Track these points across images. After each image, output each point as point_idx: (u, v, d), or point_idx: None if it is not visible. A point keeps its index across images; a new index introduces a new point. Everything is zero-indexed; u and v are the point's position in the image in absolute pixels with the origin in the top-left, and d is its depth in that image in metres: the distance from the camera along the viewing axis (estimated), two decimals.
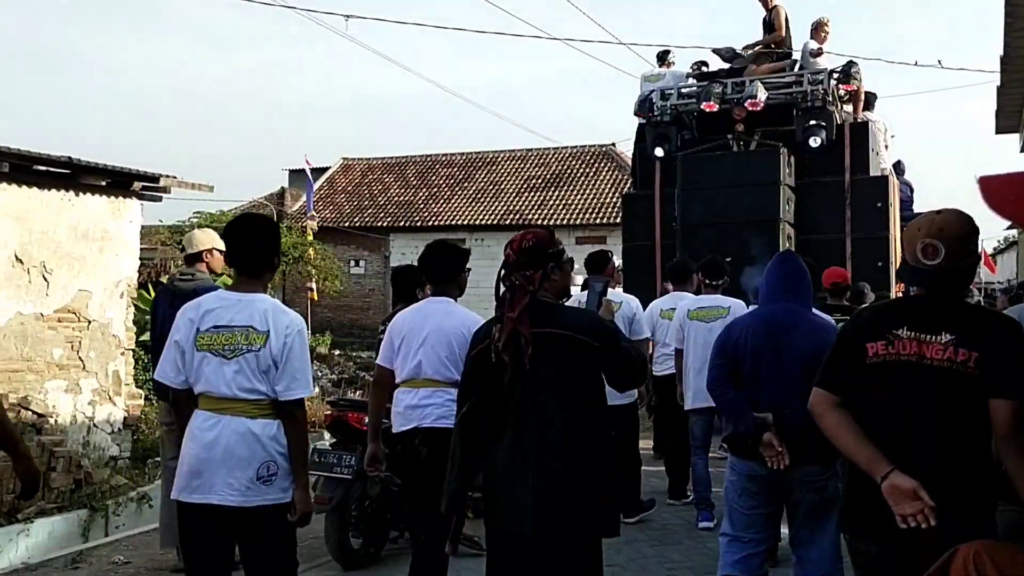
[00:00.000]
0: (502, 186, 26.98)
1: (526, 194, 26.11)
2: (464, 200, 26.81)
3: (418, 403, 3.88)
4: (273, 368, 3.02)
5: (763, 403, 3.51)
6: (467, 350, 3.33)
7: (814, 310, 3.81)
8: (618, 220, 22.75)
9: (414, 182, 28.75)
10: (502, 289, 2.99)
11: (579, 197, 25.13)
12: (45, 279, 8.48)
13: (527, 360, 2.80)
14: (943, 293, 2.38)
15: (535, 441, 2.80)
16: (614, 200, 24.10)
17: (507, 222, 24.97)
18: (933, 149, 73.55)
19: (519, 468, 2.81)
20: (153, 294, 13.89)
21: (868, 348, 2.39)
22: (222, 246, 4.89)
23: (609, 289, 5.58)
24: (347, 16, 13.41)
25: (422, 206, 27.11)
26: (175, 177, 9.83)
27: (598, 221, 23.67)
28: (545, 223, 24.27)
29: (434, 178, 28.66)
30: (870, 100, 10.84)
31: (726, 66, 10.78)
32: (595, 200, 24.74)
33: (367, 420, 4.49)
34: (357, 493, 4.94)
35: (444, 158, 29.65)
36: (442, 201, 27.12)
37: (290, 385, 3.03)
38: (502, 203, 26.02)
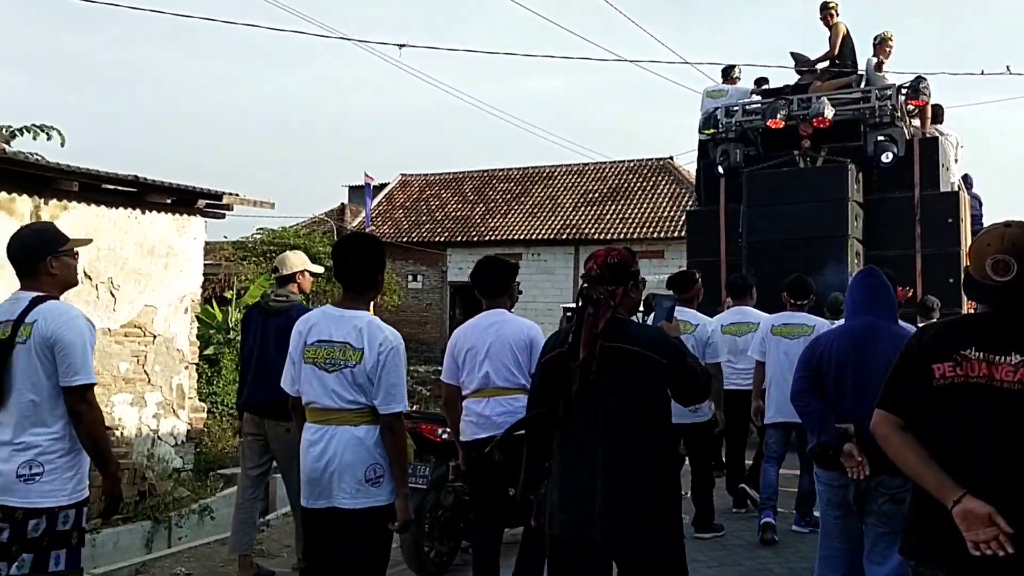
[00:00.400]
0: (559, 200, 26.93)
1: (583, 208, 26.00)
2: (521, 215, 26.83)
3: (491, 412, 4.12)
4: (368, 383, 3.21)
5: (845, 414, 3.57)
6: (537, 356, 3.61)
7: (899, 323, 3.83)
8: (676, 234, 22.61)
9: (471, 197, 28.88)
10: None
11: (637, 211, 24.94)
12: (112, 295, 8.68)
13: (594, 373, 2.87)
14: (1009, 308, 2.29)
15: (603, 451, 2.87)
16: (672, 214, 23.89)
17: (564, 236, 24.92)
18: (1002, 159, 71.39)
19: (586, 476, 2.88)
20: (216, 309, 14.23)
21: (935, 370, 2.29)
22: (312, 268, 5.24)
23: (687, 309, 5.64)
24: (400, 45, 13.62)
25: (479, 221, 27.21)
26: (237, 194, 9.99)
27: (656, 235, 23.45)
28: (602, 238, 24.17)
29: (491, 193, 28.76)
30: (938, 113, 10.65)
31: (791, 80, 10.72)
32: (653, 214, 24.52)
33: (440, 432, 4.90)
34: (431, 502, 5.05)
35: (501, 173, 29.74)
36: (499, 216, 27.18)
37: (386, 399, 3.22)
38: (559, 218, 25.97)
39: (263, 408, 4.91)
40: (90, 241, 3.69)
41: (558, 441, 3.00)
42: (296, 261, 5.18)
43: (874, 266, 4.17)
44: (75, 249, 3.27)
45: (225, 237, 21.00)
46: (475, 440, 4.16)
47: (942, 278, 9.19)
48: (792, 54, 10.95)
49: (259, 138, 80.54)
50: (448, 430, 4.79)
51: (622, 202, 25.63)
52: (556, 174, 28.49)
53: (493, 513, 4.27)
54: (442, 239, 26.93)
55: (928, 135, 10.14)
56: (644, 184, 26.19)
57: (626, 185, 26.42)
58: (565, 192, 27.32)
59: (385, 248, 3.63)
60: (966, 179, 11.31)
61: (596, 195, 26.46)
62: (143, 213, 9.09)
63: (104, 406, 8.53)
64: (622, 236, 23.85)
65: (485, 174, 30.01)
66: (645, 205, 25.11)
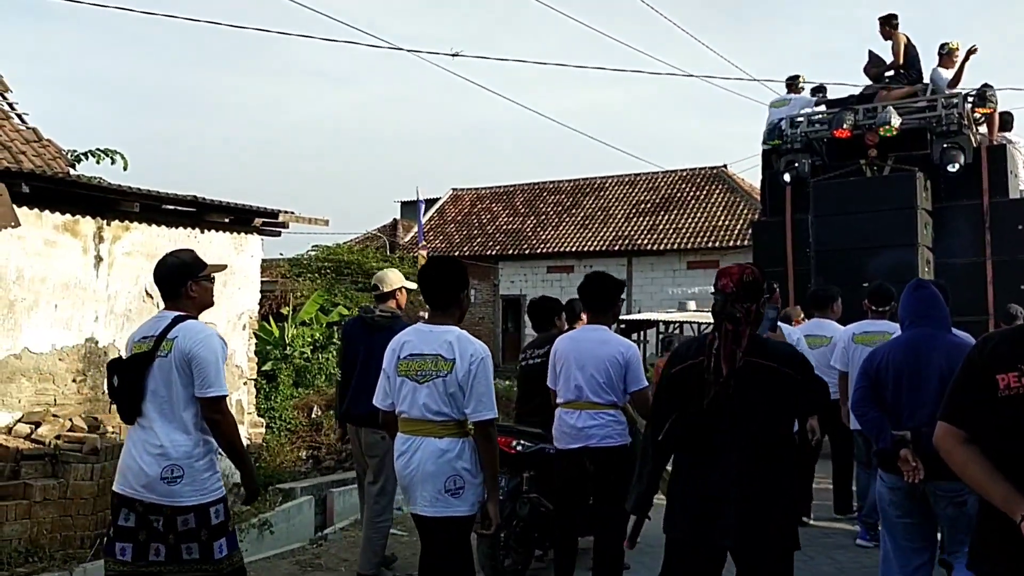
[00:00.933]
0: (611, 212, 26.78)
1: (635, 219, 25.82)
2: (572, 227, 26.74)
3: (583, 425, 4.38)
4: (459, 392, 3.38)
5: (905, 423, 3.70)
6: (632, 375, 4.29)
7: (954, 331, 3.92)
8: (731, 244, 22.32)
9: (522, 210, 28.89)
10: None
11: (690, 221, 24.68)
12: None
13: (732, 386, 2.97)
14: None
15: (737, 461, 2.97)
16: (726, 223, 23.58)
17: (616, 248, 24.76)
18: None
19: (719, 484, 2.97)
20: (273, 325, 14.39)
21: (999, 380, 2.19)
22: (408, 285, 5.50)
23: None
24: (453, 54, 13.78)
25: (530, 234, 27.19)
26: (293, 212, 10.10)
27: (710, 245, 23.15)
28: (655, 248, 23.96)
29: (542, 205, 28.73)
30: (1007, 121, 10.54)
31: (855, 89, 10.73)
32: (706, 224, 24.23)
33: (514, 444, 5.07)
34: (507, 513, 5.12)
35: (552, 185, 29.72)
36: (550, 228, 27.13)
37: (477, 408, 3.37)
38: (611, 229, 25.81)
39: (362, 418, 5.12)
40: (225, 267, 3.97)
41: (687, 450, 3.11)
42: (395, 279, 5.48)
43: (922, 279, 4.28)
44: (212, 274, 3.59)
45: (281, 254, 21.31)
46: (568, 450, 4.42)
47: (1013, 285, 9.14)
48: (870, 52, 10.90)
49: (312, 155, 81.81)
50: (522, 442, 5.08)
51: (675, 212, 25.37)
52: (607, 185, 28.35)
53: (573, 520, 4.58)
54: (493, 252, 26.96)
55: (996, 143, 10.06)
56: (697, 193, 25.91)
57: (679, 195, 26.16)
58: (617, 203, 27.16)
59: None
60: None
61: (648, 205, 26.25)
62: (202, 232, 9.23)
63: None
64: (675, 246, 23.61)
65: (536, 187, 30.01)
66: (698, 214, 24.82)
